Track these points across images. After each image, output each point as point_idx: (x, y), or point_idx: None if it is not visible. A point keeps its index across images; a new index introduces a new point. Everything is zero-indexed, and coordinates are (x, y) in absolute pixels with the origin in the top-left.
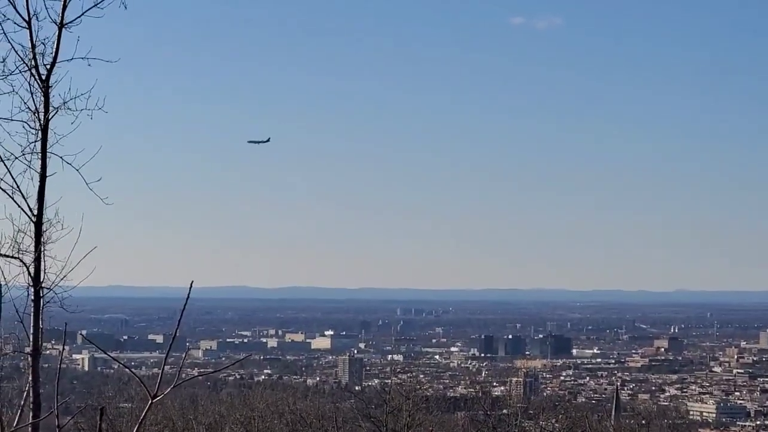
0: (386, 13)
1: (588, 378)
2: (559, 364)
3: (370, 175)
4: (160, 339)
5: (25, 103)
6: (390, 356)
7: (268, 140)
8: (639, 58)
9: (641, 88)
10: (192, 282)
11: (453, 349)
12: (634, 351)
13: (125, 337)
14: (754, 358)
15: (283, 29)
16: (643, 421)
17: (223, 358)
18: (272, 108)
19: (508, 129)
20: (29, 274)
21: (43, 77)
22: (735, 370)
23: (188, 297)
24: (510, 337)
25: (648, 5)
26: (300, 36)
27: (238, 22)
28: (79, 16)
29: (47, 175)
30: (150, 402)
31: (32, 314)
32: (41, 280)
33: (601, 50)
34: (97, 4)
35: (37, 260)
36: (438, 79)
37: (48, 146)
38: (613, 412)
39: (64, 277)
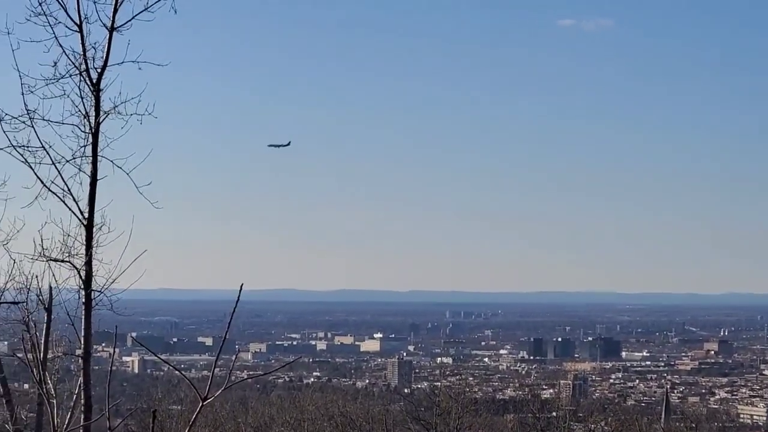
0: (437, 15)
1: (637, 381)
2: (608, 366)
3: (420, 177)
4: (209, 341)
5: (76, 106)
6: (439, 359)
7: (288, 144)
8: (688, 60)
9: (691, 89)
10: (242, 285)
11: (502, 351)
12: (683, 354)
13: (175, 340)
14: None
15: (337, 27)
16: (693, 425)
17: (273, 361)
18: (322, 107)
19: (558, 131)
20: (80, 277)
21: (94, 81)
22: None
23: (238, 300)
24: (559, 339)
25: (698, 6)
26: (360, 35)
27: (293, 21)
28: (130, 20)
29: (98, 178)
30: (200, 404)
31: (83, 317)
32: (92, 283)
33: (650, 51)
34: (148, 8)
35: (88, 263)
36: (486, 80)
37: (98, 150)
38: (662, 415)
39: (115, 280)
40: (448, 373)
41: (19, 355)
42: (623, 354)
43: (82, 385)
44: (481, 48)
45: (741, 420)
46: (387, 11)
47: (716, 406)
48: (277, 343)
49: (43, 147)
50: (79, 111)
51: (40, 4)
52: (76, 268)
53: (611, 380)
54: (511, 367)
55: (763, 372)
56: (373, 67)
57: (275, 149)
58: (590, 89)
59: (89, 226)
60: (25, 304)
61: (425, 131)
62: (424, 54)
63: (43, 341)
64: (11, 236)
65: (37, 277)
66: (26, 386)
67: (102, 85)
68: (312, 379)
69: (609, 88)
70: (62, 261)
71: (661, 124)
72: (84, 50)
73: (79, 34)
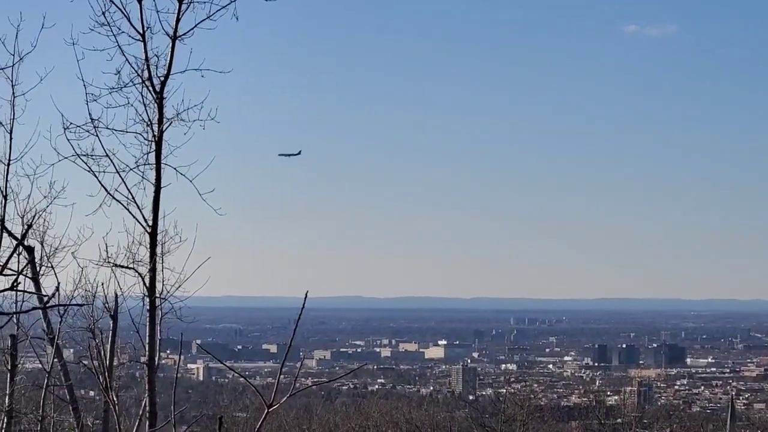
0: (499, 20)
1: (702, 387)
2: (673, 373)
3: (483, 184)
4: (274, 349)
5: (139, 114)
6: (503, 365)
7: (298, 153)
8: (753, 66)
9: (756, 96)
10: (307, 292)
11: (566, 358)
12: (749, 360)
13: (239, 347)
14: None
15: (397, 32)
16: (759, 431)
17: (337, 368)
18: (383, 113)
19: (620, 137)
20: (144, 284)
21: (157, 89)
22: None
23: (303, 307)
24: (624, 346)
25: (765, 14)
26: (424, 42)
27: (354, 27)
28: (192, 29)
29: (161, 186)
30: (266, 411)
31: (148, 324)
32: (156, 290)
33: (715, 58)
34: (210, 16)
35: (153, 271)
36: (547, 86)
37: (162, 157)
38: (728, 422)
39: (179, 287)
40: (512, 379)
41: (85, 362)
42: (688, 360)
43: (147, 392)
44: (544, 54)
45: None
46: (441, 18)
47: None
48: (342, 350)
49: (107, 155)
50: (143, 119)
51: (103, 14)
52: (141, 276)
53: (676, 387)
54: (576, 374)
55: None
56: (428, 71)
57: (285, 158)
58: (653, 95)
59: (153, 234)
60: (90, 311)
61: (486, 138)
62: (483, 60)
63: (108, 348)
64: (78, 244)
65: (102, 284)
66: (92, 393)
67: (165, 93)
68: (376, 386)
69: (672, 94)
70: (127, 268)
71: (727, 130)
72: (147, 59)
73: (142, 43)
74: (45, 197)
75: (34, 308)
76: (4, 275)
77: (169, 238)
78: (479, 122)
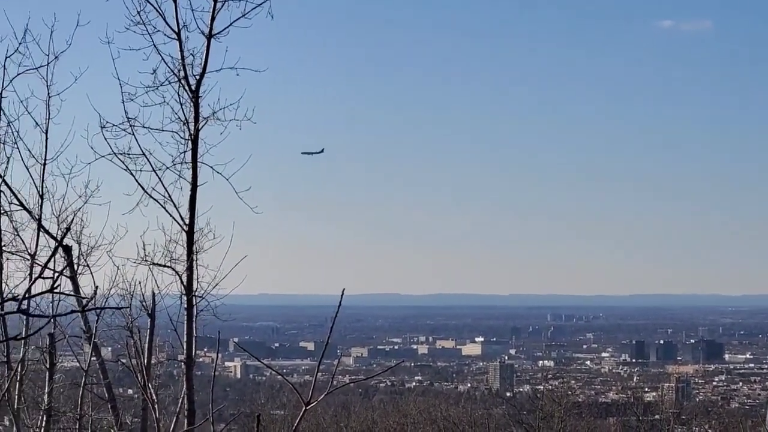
0: (530, 17)
1: (741, 383)
2: (711, 369)
3: (521, 180)
4: (311, 346)
5: (175, 113)
6: (541, 362)
7: (321, 151)
8: None
9: None
10: (344, 290)
11: (604, 354)
12: None
13: (276, 345)
14: None
15: (432, 30)
16: None
17: (374, 365)
18: (419, 110)
19: (656, 134)
20: (182, 282)
21: (193, 88)
22: None
23: (340, 304)
24: (661, 342)
25: None
26: (457, 40)
27: (390, 24)
28: (227, 27)
29: (198, 184)
30: (304, 409)
31: (185, 322)
32: (194, 288)
33: (752, 54)
34: (245, 14)
35: (190, 269)
36: (581, 82)
37: (198, 156)
38: (767, 418)
39: (216, 285)
40: (550, 376)
41: (123, 360)
42: (726, 356)
43: (185, 390)
44: (576, 51)
45: None
46: (474, 15)
47: None
48: (379, 347)
49: (143, 154)
50: (179, 118)
51: (138, 13)
52: (178, 274)
53: (714, 383)
54: (614, 370)
55: None
56: (461, 69)
57: (308, 156)
58: (688, 92)
59: (190, 232)
60: (128, 309)
61: (522, 136)
62: (515, 58)
63: (146, 347)
64: (113, 243)
65: (140, 283)
66: (130, 391)
67: (201, 92)
68: (414, 384)
69: (707, 90)
70: (164, 266)
71: (764, 126)
72: (183, 58)
73: (177, 42)
74: (80, 197)
75: (72, 311)
76: (44, 277)
77: (206, 237)
78: (514, 120)
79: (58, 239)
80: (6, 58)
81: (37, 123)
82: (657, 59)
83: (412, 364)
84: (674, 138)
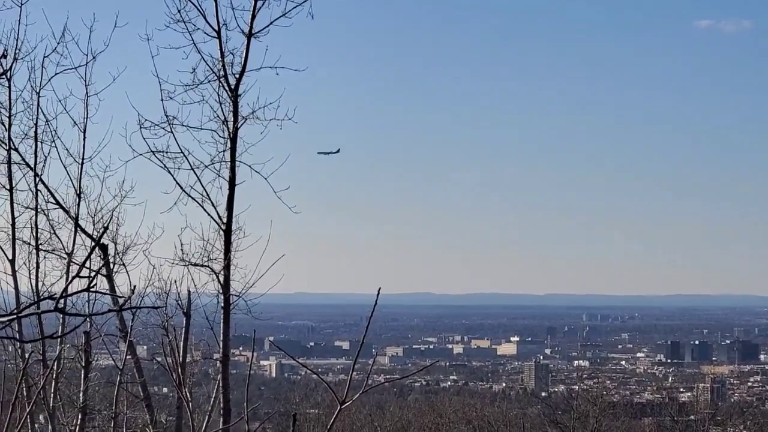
0: (567, 16)
1: None
2: (746, 369)
3: (555, 180)
4: (346, 345)
5: (214, 112)
6: (576, 362)
7: (337, 151)
8: None
9: None
10: (380, 289)
11: (639, 354)
12: None
13: (312, 344)
14: None
15: (477, 30)
16: None
17: (409, 365)
18: (460, 112)
19: (694, 134)
20: (219, 281)
21: (232, 86)
22: None
23: (376, 303)
24: (696, 342)
25: None
26: (498, 39)
27: (435, 24)
28: (267, 26)
29: (236, 183)
30: (338, 408)
31: (221, 321)
32: (230, 287)
33: None
34: (285, 13)
35: (226, 268)
36: (619, 83)
37: (237, 155)
38: None
39: (253, 284)
40: (585, 376)
41: (159, 359)
42: (761, 357)
43: (220, 388)
44: (613, 50)
45: None
46: (514, 15)
47: None
48: (414, 346)
49: (182, 152)
50: (218, 116)
51: (179, 11)
52: (215, 273)
53: (749, 383)
54: (649, 370)
55: None
56: (502, 68)
57: (324, 156)
58: (727, 92)
59: (227, 231)
60: (164, 308)
61: (557, 135)
62: (552, 57)
63: (182, 345)
64: (149, 242)
65: (176, 281)
66: (165, 390)
67: (240, 91)
68: (449, 383)
69: (746, 90)
70: (201, 265)
71: None
72: (222, 56)
73: (217, 41)
74: (115, 196)
75: (108, 311)
76: (81, 277)
77: (244, 236)
78: (551, 119)
79: (95, 239)
80: (44, 57)
81: (75, 122)
82: (695, 59)
83: (447, 364)
84: (711, 138)
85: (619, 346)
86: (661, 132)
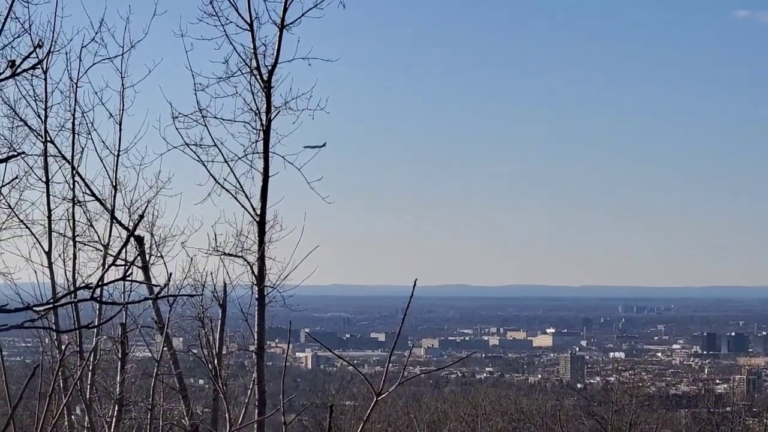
0: (604, 10)
1: None
2: None
3: (590, 172)
4: (382, 337)
5: (247, 104)
6: (612, 354)
7: (323, 145)
8: None
9: None
10: (416, 281)
11: (675, 346)
12: None
13: (347, 336)
14: None
15: (509, 25)
16: None
17: (445, 356)
18: (491, 107)
19: (728, 126)
20: (253, 273)
21: (265, 78)
22: None
23: (412, 295)
24: (733, 334)
25: None
26: (526, 34)
27: (464, 17)
28: (300, 17)
29: (269, 174)
30: (375, 399)
31: (256, 313)
32: (265, 279)
33: None
34: (317, 4)
35: (261, 259)
36: (656, 76)
37: (270, 146)
38: None
39: (287, 276)
40: (621, 368)
41: (195, 351)
42: None
43: (255, 380)
44: (647, 46)
45: None
46: (540, 11)
47: None
48: (450, 338)
49: (215, 144)
50: (251, 108)
51: (211, 4)
52: (249, 264)
53: None
54: (685, 362)
55: None
56: (532, 63)
57: (310, 150)
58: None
59: (261, 222)
60: (200, 300)
61: (593, 129)
62: (584, 52)
63: (217, 337)
64: (186, 233)
65: (211, 273)
66: (201, 382)
67: (273, 82)
68: (485, 375)
69: None
70: (235, 257)
71: None
72: (255, 48)
73: (249, 33)
74: (151, 187)
75: (145, 298)
76: (116, 266)
77: (279, 227)
78: (584, 114)
79: (130, 229)
80: (82, 47)
81: (110, 114)
82: (733, 50)
83: (483, 356)
84: (746, 130)
85: (655, 338)
86: (696, 125)
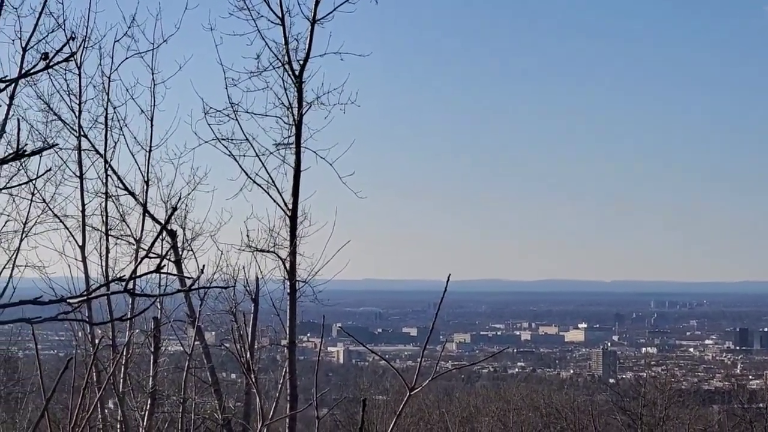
0: (629, 10)
1: None
2: None
3: (624, 167)
4: (413, 332)
5: (278, 98)
6: (644, 349)
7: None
8: None
9: None
10: (449, 275)
11: (707, 341)
12: None
13: (379, 330)
14: None
15: (542, 27)
16: None
17: (477, 351)
18: (525, 104)
19: (758, 124)
20: (285, 267)
21: (297, 73)
22: None
23: (445, 290)
24: (765, 330)
25: None
26: (561, 35)
27: (498, 13)
28: (331, 12)
29: (301, 169)
30: (408, 394)
31: (288, 307)
32: (296, 273)
33: None
34: None
35: (293, 254)
36: (685, 75)
37: (302, 141)
38: None
39: (319, 270)
40: (653, 363)
41: (227, 345)
42: None
43: (287, 374)
44: (674, 45)
45: None
46: (582, 13)
47: None
48: (482, 333)
49: (246, 139)
50: (282, 103)
51: None
52: (281, 259)
53: None
54: (717, 358)
55: None
56: (572, 67)
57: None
58: None
59: (293, 217)
60: (232, 294)
61: (624, 128)
62: (615, 54)
63: (249, 331)
64: (218, 228)
65: (243, 267)
66: (233, 376)
67: (304, 77)
68: (516, 370)
69: None
70: (267, 251)
71: None
72: (286, 43)
73: (281, 27)
74: (188, 183)
75: (178, 291)
76: (149, 257)
77: (310, 222)
78: (617, 112)
79: (162, 223)
80: (114, 42)
81: (142, 110)
82: (763, 47)
83: (515, 350)
84: None
85: (688, 333)
86: (730, 120)
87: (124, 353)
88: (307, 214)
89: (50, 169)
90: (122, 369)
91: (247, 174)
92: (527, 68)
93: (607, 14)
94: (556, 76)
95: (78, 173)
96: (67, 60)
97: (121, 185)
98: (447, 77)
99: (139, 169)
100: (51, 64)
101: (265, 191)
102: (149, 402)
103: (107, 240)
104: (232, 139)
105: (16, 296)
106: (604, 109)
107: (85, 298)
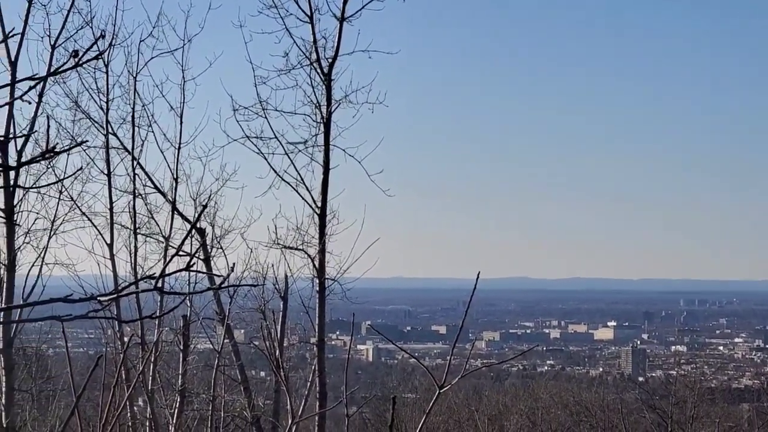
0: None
1: None
2: None
3: (653, 165)
4: (443, 330)
5: (307, 96)
6: (673, 347)
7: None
8: None
9: None
10: (479, 273)
11: (737, 340)
12: None
13: (409, 328)
14: None
15: (564, 22)
16: None
17: (506, 349)
18: (550, 103)
19: None
20: (314, 265)
21: (325, 71)
22: None
23: (475, 288)
24: None
25: None
26: (587, 30)
27: (523, 9)
28: (360, 10)
29: (330, 167)
30: (437, 392)
31: (317, 305)
32: (325, 271)
33: None
34: None
35: (321, 252)
36: (707, 71)
37: (330, 139)
38: None
39: (348, 268)
40: (682, 361)
41: (256, 342)
42: None
43: (316, 372)
44: (693, 50)
45: None
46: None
47: None
48: (511, 331)
49: (275, 137)
50: (311, 101)
51: None
52: (310, 257)
53: None
54: (747, 356)
55: None
56: (589, 65)
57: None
58: None
59: (322, 215)
60: (261, 292)
61: (650, 124)
62: (622, 49)
63: (279, 329)
64: (247, 225)
65: (272, 265)
66: (263, 374)
67: (333, 75)
68: (545, 368)
69: None
70: (296, 249)
71: None
72: (315, 41)
73: (309, 25)
74: (217, 180)
75: (208, 289)
76: (179, 255)
77: (337, 222)
78: (643, 110)
79: (192, 221)
80: (141, 41)
81: (171, 107)
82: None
83: (544, 349)
84: None
85: (717, 332)
86: (756, 114)
87: (154, 351)
88: (336, 212)
89: (81, 169)
90: (151, 367)
91: (276, 172)
92: (556, 66)
93: (607, 15)
94: (585, 74)
95: (106, 171)
96: (96, 58)
97: (149, 183)
98: (477, 76)
99: (168, 166)
100: (81, 62)
101: (294, 189)
102: (178, 399)
103: (135, 238)
104: (261, 137)
105: (46, 294)
106: (632, 108)
107: (116, 296)
